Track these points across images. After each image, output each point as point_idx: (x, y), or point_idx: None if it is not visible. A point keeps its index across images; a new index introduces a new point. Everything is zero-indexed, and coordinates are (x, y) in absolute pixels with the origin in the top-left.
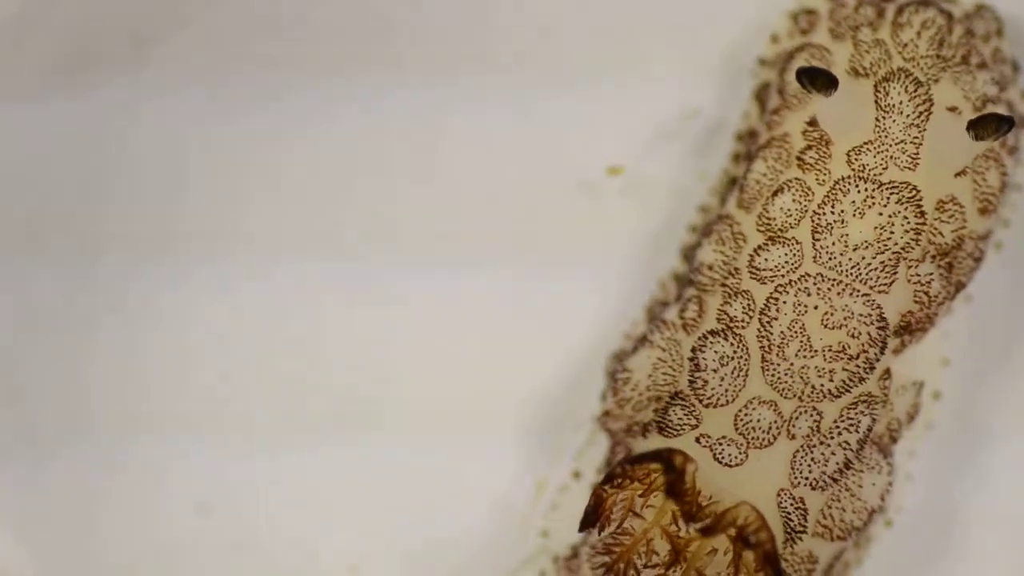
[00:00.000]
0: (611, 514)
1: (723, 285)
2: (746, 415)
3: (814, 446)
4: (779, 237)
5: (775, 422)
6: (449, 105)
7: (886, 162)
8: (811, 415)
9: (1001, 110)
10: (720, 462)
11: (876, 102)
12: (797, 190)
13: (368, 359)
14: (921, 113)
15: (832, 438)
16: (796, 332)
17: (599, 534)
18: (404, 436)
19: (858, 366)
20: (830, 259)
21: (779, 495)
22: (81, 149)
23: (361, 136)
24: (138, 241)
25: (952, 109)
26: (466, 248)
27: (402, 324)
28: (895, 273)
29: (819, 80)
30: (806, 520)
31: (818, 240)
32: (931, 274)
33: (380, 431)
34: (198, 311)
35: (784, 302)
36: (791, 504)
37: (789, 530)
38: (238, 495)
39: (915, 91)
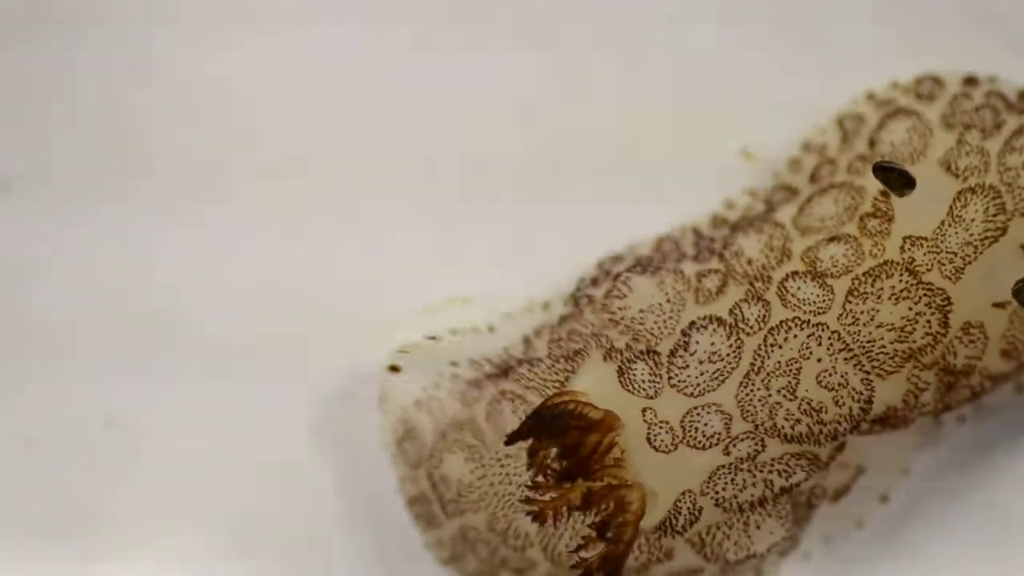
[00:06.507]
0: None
1: (751, 284)
2: (698, 415)
3: (741, 470)
4: (819, 277)
5: (719, 434)
6: None
7: (932, 264)
8: (755, 443)
9: None
10: (649, 442)
11: (951, 208)
12: (851, 248)
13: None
14: (987, 239)
15: (761, 472)
16: (790, 371)
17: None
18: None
19: (822, 431)
20: (853, 324)
21: (682, 495)
22: None
23: None
24: None
25: None
26: None
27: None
28: (901, 367)
29: (894, 180)
30: (690, 527)
31: (850, 302)
32: (929, 384)
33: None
34: None
35: (795, 336)
36: (687, 507)
37: (668, 525)
38: None
39: (994, 216)
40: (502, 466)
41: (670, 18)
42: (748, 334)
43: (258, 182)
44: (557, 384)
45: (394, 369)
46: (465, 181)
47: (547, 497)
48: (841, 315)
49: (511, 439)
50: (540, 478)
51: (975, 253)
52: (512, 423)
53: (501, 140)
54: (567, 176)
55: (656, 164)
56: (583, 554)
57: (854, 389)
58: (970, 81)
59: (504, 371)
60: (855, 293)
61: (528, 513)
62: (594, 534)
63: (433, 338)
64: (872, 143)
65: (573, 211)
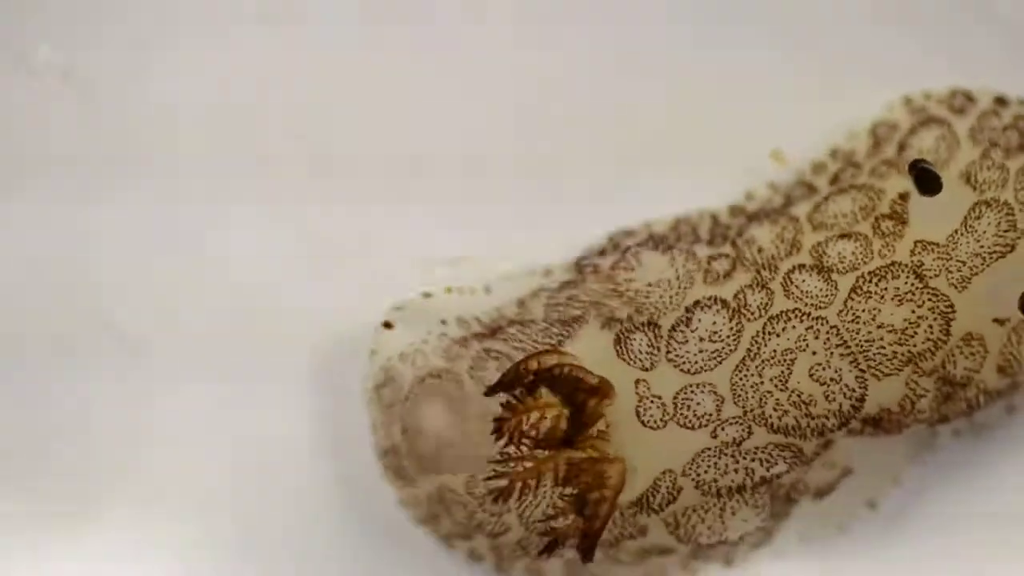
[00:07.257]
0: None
1: (758, 271)
2: (692, 393)
3: (724, 454)
4: (824, 271)
5: (709, 415)
6: None
7: (940, 270)
8: (743, 429)
9: None
10: (639, 416)
11: (965, 217)
12: (861, 246)
13: None
14: (995, 253)
15: (744, 458)
16: (784, 361)
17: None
18: None
19: (809, 424)
20: (853, 322)
21: (663, 473)
22: None
23: None
24: None
25: None
26: None
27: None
28: (900, 369)
29: (925, 181)
30: (667, 506)
31: (852, 300)
32: (927, 391)
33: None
34: None
35: (793, 327)
36: (667, 486)
37: (645, 502)
38: None
39: (1004, 232)
40: (485, 423)
41: (720, 19)
42: (749, 319)
43: (260, 168)
44: (549, 346)
45: (388, 325)
46: (488, 152)
47: (520, 468)
48: (842, 311)
49: (492, 390)
50: (511, 449)
51: (983, 265)
52: (495, 379)
53: (528, 119)
54: (587, 158)
55: (682, 155)
56: (554, 524)
57: (847, 386)
58: (1000, 101)
59: (492, 331)
60: (859, 291)
61: (491, 491)
62: (568, 507)
63: (428, 295)
64: (902, 147)
65: (589, 190)
